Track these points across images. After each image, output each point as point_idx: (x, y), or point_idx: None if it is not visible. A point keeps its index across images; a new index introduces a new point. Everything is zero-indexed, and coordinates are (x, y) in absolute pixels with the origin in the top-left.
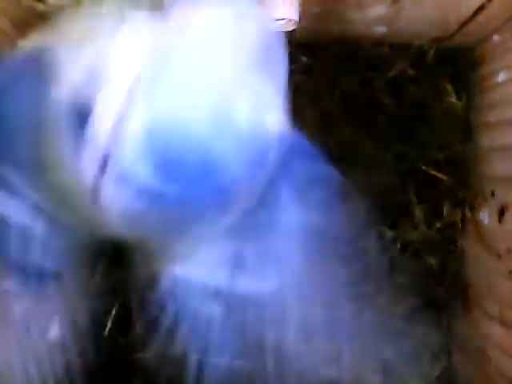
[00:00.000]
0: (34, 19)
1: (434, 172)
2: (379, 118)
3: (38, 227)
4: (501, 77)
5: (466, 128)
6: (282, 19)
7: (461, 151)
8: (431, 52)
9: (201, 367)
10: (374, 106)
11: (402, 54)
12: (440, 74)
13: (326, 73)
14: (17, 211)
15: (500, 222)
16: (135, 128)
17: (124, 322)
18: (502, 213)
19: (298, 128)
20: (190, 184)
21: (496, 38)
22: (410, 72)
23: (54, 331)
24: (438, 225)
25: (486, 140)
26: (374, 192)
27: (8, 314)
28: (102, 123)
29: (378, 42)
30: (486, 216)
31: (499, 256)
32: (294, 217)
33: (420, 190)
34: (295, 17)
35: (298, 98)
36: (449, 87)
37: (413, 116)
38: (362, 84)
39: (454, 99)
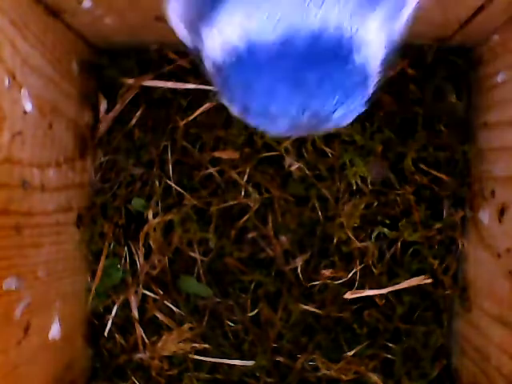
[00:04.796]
0: (36, 19)
1: (434, 172)
2: (379, 118)
3: None
4: (501, 77)
5: (466, 128)
6: None
7: (461, 151)
8: (431, 52)
9: None
10: (374, 106)
11: (402, 54)
12: (440, 74)
13: None
14: None
15: (500, 221)
16: None
17: (124, 322)
18: (502, 213)
19: None
20: None
21: (496, 37)
22: (410, 72)
23: (54, 331)
24: (437, 225)
25: (485, 140)
26: (374, 192)
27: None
28: None
29: None
30: (486, 216)
31: (499, 256)
32: None
33: (420, 190)
34: None
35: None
36: (449, 87)
37: (413, 116)
38: None
39: (453, 99)
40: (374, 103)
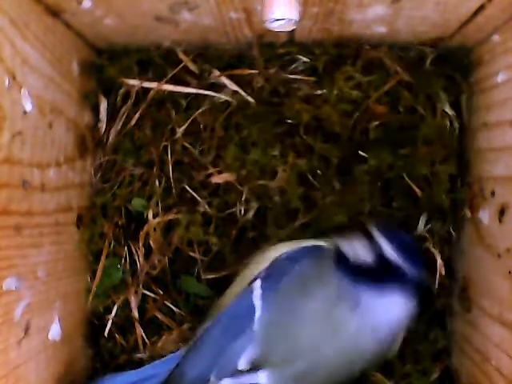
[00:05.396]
0: (36, 19)
1: (433, 171)
2: (379, 117)
3: None
4: (500, 77)
5: (465, 129)
6: (282, 19)
7: (461, 151)
8: (432, 54)
9: None
10: (372, 109)
11: (402, 56)
12: (440, 74)
13: (324, 73)
14: None
15: (500, 222)
16: None
17: (124, 322)
18: (502, 213)
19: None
20: None
21: (496, 37)
22: (406, 77)
23: (54, 331)
24: (437, 225)
25: (485, 140)
26: (373, 192)
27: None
28: None
29: (378, 43)
30: (486, 216)
31: (499, 256)
32: None
33: (420, 190)
34: (295, 17)
35: (293, 99)
36: (450, 87)
37: (414, 115)
38: (359, 87)
39: (452, 100)
40: (372, 106)
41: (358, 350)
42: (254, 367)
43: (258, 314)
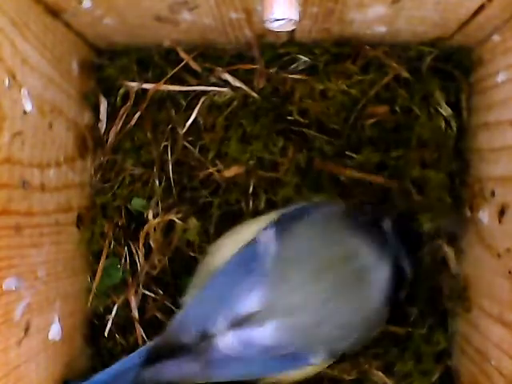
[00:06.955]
0: (36, 19)
1: (433, 171)
2: (379, 115)
3: None
4: (501, 77)
5: (465, 129)
6: (282, 19)
7: (458, 151)
8: (432, 54)
9: None
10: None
11: (401, 56)
12: (438, 74)
13: (324, 73)
14: None
15: (500, 222)
16: None
17: (124, 322)
18: (502, 213)
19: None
20: None
21: (496, 37)
22: (404, 74)
23: (54, 331)
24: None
25: (485, 140)
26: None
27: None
28: None
29: (378, 42)
30: (485, 216)
31: (499, 256)
32: None
33: (419, 190)
34: (295, 17)
35: (292, 98)
36: (450, 87)
37: (410, 114)
38: (358, 86)
39: (452, 100)
40: (369, 104)
41: (357, 308)
42: (259, 319)
43: (271, 252)
